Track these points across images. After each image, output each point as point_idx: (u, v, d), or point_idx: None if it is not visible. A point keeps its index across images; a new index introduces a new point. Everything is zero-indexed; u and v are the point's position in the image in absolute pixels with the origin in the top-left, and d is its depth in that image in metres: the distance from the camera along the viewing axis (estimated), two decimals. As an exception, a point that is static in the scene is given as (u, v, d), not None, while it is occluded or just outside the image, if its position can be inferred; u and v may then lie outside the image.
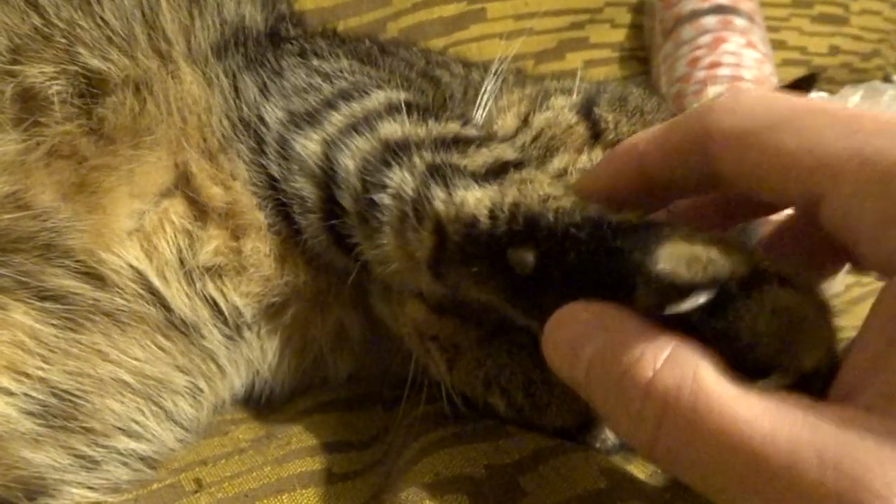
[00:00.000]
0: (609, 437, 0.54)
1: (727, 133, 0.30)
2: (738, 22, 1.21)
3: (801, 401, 0.25)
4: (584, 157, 0.58)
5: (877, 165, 0.25)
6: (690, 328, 0.29)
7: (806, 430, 0.23)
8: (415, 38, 1.03)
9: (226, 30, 0.62)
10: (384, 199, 0.46)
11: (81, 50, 0.52)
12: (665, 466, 0.29)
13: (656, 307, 0.29)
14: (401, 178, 0.46)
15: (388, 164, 0.47)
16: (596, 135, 0.59)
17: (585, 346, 0.29)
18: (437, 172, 0.44)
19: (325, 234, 0.53)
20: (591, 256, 0.33)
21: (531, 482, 0.45)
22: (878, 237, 0.26)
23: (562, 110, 0.61)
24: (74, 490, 0.48)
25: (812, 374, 0.28)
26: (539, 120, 0.60)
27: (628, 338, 0.28)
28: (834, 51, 1.49)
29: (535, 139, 0.59)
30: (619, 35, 1.31)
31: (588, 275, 0.33)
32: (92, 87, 0.52)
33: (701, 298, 0.28)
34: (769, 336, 0.28)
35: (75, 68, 0.51)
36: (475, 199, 0.40)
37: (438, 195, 0.42)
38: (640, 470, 0.52)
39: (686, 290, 0.29)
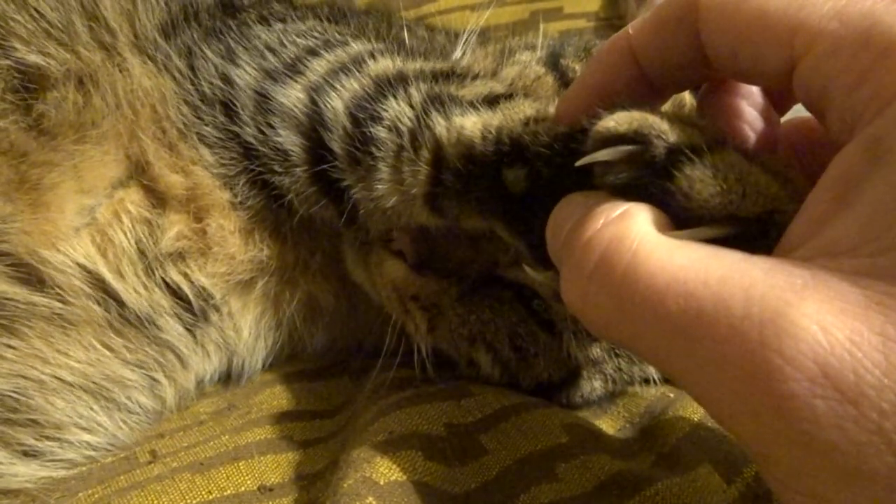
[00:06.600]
0: (596, 387, 0.54)
1: (713, 1, 0.30)
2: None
3: (736, 253, 0.25)
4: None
5: (856, 26, 0.25)
6: (656, 199, 0.30)
7: (736, 272, 0.24)
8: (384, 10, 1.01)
9: (172, 6, 0.59)
10: (380, 132, 0.45)
11: (16, 44, 0.49)
12: (595, 325, 0.29)
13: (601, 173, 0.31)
14: (397, 110, 0.45)
15: (382, 98, 0.46)
16: (565, 84, 0.57)
17: (566, 222, 0.31)
18: (437, 101, 0.43)
19: (313, 187, 0.51)
20: (568, 167, 0.34)
21: (492, 440, 0.44)
22: (846, 98, 0.25)
23: (529, 63, 0.59)
24: (22, 478, 0.46)
25: (752, 229, 0.28)
26: (508, 72, 0.59)
27: (594, 206, 0.29)
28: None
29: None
30: (593, 4, 1.29)
31: (572, 183, 0.34)
32: (29, 83, 0.50)
33: (623, 147, 0.30)
34: (705, 189, 0.28)
35: (8, 63, 0.49)
36: (472, 122, 0.41)
37: (439, 122, 0.42)
38: (609, 425, 0.51)
39: (613, 142, 0.30)
